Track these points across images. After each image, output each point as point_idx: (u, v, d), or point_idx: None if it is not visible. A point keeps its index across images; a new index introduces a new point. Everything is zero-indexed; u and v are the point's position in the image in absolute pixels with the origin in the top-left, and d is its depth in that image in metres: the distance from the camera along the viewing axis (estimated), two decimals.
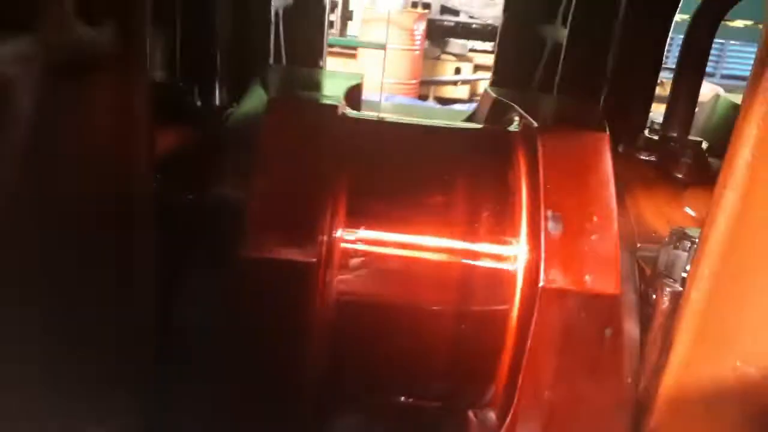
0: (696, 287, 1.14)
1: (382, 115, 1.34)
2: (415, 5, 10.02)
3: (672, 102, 1.66)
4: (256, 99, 1.32)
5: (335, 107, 1.15)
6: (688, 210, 1.48)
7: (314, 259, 0.99)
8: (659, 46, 1.97)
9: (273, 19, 2.09)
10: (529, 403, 1.08)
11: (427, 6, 10.20)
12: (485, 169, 1.17)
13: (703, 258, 1.13)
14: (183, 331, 1.15)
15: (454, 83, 10.32)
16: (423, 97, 9.84)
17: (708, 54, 1.61)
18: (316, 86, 1.41)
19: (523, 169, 1.15)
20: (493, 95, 1.46)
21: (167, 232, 1.26)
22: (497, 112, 1.43)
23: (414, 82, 9.65)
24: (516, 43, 2.58)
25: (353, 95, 1.47)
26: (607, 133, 1.15)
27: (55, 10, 0.73)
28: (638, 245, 1.43)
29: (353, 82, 1.47)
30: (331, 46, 9.21)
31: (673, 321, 1.20)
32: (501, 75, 2.67)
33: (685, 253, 1.30)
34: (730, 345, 1.10)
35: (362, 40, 9.70)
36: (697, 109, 1.79)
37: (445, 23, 10.51)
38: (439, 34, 10.51)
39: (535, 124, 1.16)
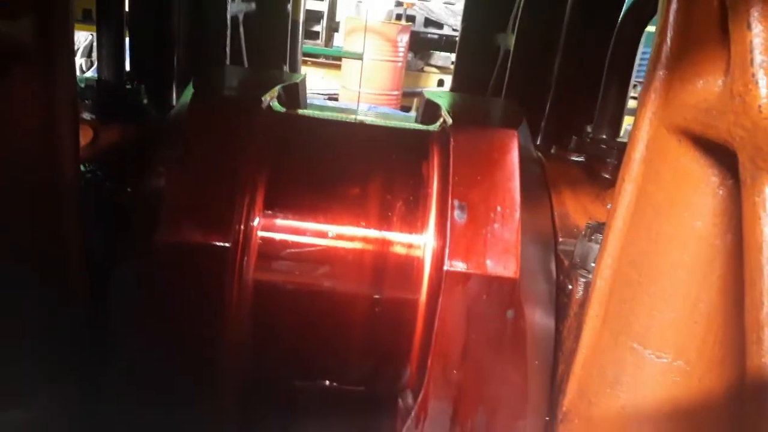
0: (600, 275, 1.21)
1: (309, 112, 1.40)
2: (399, 18, 10.14)
3: (602, 105, 1.73)
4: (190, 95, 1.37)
5: (258, 103, 1.21)
6: (610, 207, 1.55)
7: (228, 244, 1.05)
8: (601, 55, 2.05)
9: (229, 23, 2.16)
10: (438, 383, 1.13)
11: (411, 19, 10.33)
12: (401, 162, 1.23)
13: (606, 247, 1.20)
14: (112, 318, 1.19)
15: None
16: (405, 109, 9.92)
17: (634, 57, 1.69)
18: (250, 83, 1.46)
19: (436, 162, 1.21)
20: (426, 97, 1.53)
21: (106, 225, 1.31)
22: (428, 112, 1.50)
23: (396, 93, 9.75)
24: (473, 52, 2.67)
25: (292, 91, 1.53)
26: (516, 131, 1.22)
27: None
28: (560, 239, 1.50)
29: (293, 80, 1.53)
30: (311, 55, 9.35)
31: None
32: (459, 81, 2.76)
33: (598, 245, 1.37)
34: (628, 329, 1.16)
35: (346, 50, 9.81)
36: None
37: (429, 36, 10.65)
38: (422, 46, 10.65)
39: (450, 123, 1.22)
